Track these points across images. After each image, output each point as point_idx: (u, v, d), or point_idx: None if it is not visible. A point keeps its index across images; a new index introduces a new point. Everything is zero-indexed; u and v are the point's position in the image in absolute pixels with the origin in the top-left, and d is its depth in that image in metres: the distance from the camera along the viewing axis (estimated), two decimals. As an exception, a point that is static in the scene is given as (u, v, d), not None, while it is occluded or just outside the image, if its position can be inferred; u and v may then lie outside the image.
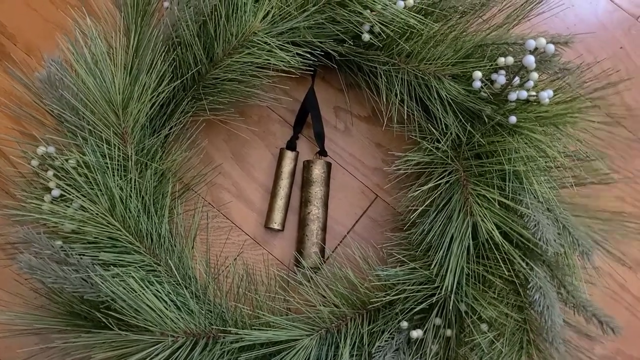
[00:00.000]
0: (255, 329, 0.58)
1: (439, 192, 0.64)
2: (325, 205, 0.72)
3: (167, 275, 0.60)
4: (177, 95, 0.66)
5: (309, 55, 0.65)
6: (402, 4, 0.62)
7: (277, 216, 0.72)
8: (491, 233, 0.58)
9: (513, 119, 0.59)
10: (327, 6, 0.63)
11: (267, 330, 0.58)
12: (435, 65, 0.63)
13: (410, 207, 0.67)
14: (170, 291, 0.58)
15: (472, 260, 0.60)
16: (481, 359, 0.58)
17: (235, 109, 0.70)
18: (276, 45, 0.62)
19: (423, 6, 0.64)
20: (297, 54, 0.64)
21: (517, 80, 0.58)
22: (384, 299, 0.60)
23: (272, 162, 0.75)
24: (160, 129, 0.65)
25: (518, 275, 0.59)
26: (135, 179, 0.60)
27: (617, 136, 0.75)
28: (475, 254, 0.60)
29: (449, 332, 0.60)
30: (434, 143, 0.65)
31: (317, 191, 0.71)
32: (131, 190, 0.60)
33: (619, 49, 0.79)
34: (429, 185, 0.64)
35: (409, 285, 0.60)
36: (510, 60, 0.59)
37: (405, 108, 0.67)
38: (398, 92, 0.66)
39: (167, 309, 0.56)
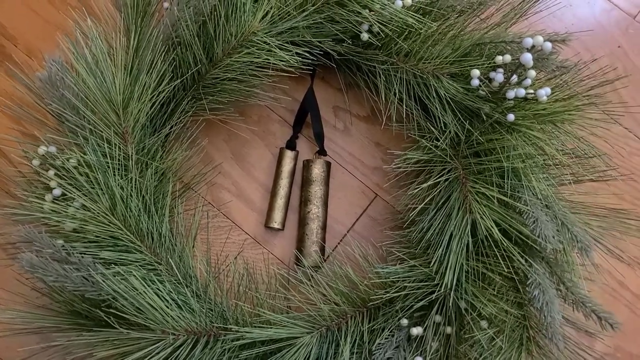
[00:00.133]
0: (255, 327, 0.58)
1: (438, 190, 0.64)
2: (325, 204, 0.72)
3: (168, 274, 0.60)
4: (177, 94, 0.66)
5: (308, 55, 0.65)
6: (400, 3, 0.63)
7: (277, 215, 0.72)
8: (490, 230, 0.58)
9: (511, 117, 0.59)
10: (325, 6, 0.63)
11: (268, 327, 0.58)
12: (433, 64, 0.64)
13: (409, 205, 0.67)
14: (171, 290, 0.58)
15: (471, 258, 0.61)
16: (481, 356, 0.58)
17: (235, 108, 0.71)
18: (275, 45, 0.62)
19: (421, 5, 0.64)
20: (297, 53, 0.64)
21: (515, 78, 0.59)
22: (384, 296, 0.61)
23: (272, 161, 0.75)
24: (161, 129, 0.66)
25: (517, 272, 0.59)
26: (136, 178, 0.60)
27: (614, 134, 0.76)
28: (474, 251, 0.61)
29: (448, 329, 0.61)
30: (433, 141, 0.66)
31: (316, 190, 0.71)
32: (132, 190, 0.60)
33: (616, 47, 0.80)
34: (429, 183, 0.64)
35: (408, 283, 0.61)
36: (508, 58, 0.59)
37: (404, 107, 0.67)
38: (397, 91, 0.67)
39: (168, 308, 0.56)
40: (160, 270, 0.60)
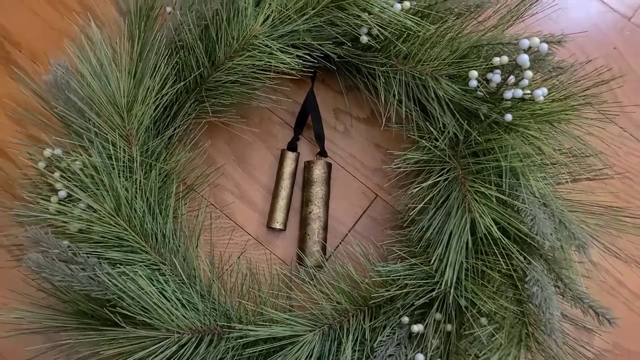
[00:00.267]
0: (259, 325, 0.59)
1: (437, 190, 0.65)
2: (326, 205, 0.73)
3: (172, 274, 0.61)
4: (180, 97, 0.68)
5: (308, 57, 0.66)
6: (399, 6, 0.64)
7: (279, 216, 0.73)
8: (489, 228, 0.59)
9: (509, 117, 0.60)
10: (325, 9, 0.64)
11: (271, 326, 0.59)
12: (432, 66, 0.65)
13: (409, 205, 0.68)
14: (176, 289, 0.59)
15: (471, 256, 0.62)
16: (481, 352, 0.59)
17: (237, 111, 0.72)
18: (277, 48, 0.63)
19: (419, 8, 0.65)
20: (297, 56, 0.65)
21: (512, 79, 0.60)
22: (385, 294, 0.61)
23: (273, 163, 0.76)
24: (164, 131, 0.67)
25: (516, 269, 0.60)
26: (140, 180, 0.61)
27: (610, 134, 0.77)
28: (474, 249, 0.62)
29: (449, 327, 0.62)
30: (432, 142, 0.67)
31: (317, 191, 0.72)
32: (136, 191, 0.61)
33: (612, 49, 0.81)
34: (428, 183, 0.65)
35: (409, 281, 0.62)
36: (505, 59, 0.60)
37: (404, 108, 0.69)
38: (396, 92, 0.68)
39: (173, 307, 0.57)
40: (165, 270, 0.61)
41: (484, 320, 0.59)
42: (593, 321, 0.59)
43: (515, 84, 0.60)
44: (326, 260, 0.72)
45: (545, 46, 0.55)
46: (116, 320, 0.56)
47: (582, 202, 0.63)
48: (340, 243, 0.75)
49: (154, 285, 0.57)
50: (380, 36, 0.65)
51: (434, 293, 0.61)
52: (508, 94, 0.60)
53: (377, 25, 0.64)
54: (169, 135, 0.67)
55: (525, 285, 0.58)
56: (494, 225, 0.59)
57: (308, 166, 0.73)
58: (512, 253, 0.59)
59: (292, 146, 0.75)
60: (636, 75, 0.80)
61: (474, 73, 0.61)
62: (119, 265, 0.58)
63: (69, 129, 0.63)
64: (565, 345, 0.61)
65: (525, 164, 0.61)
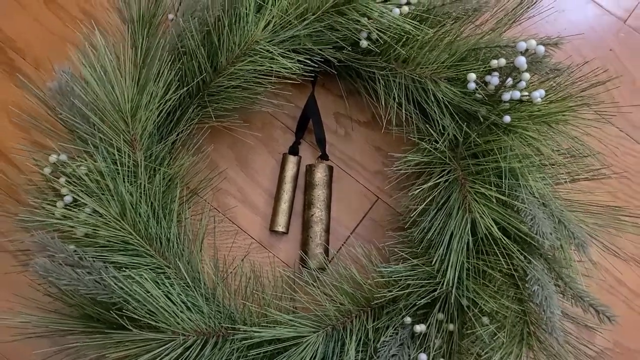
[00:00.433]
0: (263, 327, 0.60)
1: (438, 191, 0.66)
2: (328, 208, 0.74)
3: (177, 277, 0.62)
4: (183, 103, 0.68)
5: (309, 62, 0.67)
6: (397, 11, 0.65)
7: (282, 219, 0.74)
8: (490, 229, 0.60)
9: (507, 119, 0.61)
10: (325, 15, 0.65)
11: (275, 327, 0.60)
12: (431, 69, 0.66)
13: (410, 207, 0.69)
14: (181, 292, 0.60)
15: (472, 256, 0.62)
16: (483, 351, 0.59)
17: (239, 116, 0.73)
18: (278, 53, 0.64)
19: (418, 13, 0.66)
20: (298, 60, 0.66)
21: (510, 81, 0.61)
22: (388, 295, 0.62)
23: (275, 167, 0.77)
24: (168, 136, 0.68)
25: (517, 269, 0.61)
26: (144, 185, 0.62)
27: (608, 134, 0.78)
28: (474, 249, 0.62)
29: (451, 326, 0.62)
30: (432, 144, 0.67)
31: (319, 194, 0.73)
32: (140, 196, 0.62)
33: (608, 51, 0.82)
34: (429, 184, 0.66)
35: (411, 281, 0.62)
36: (502, 61, 0.61)
37: (404, 111, 0.69)
38: (396, 96, 0.69)
39: (178, 309, 0.57)
40: (170, 273, 0.62)
41: (485, 320, 0.60)
42: (593, 319, 0.60)
43: (513, 86, 0.61)
44: (329, 262, 0.72)
45: (542, 48, 0.56)
46: (122, 323, 0.56)
47: (581, 202, 0.64)
48: (342, 245, 0.75)
49: (159, 289, 0.58)
50: (380, 40, 0.66)
51: (436, 293, 0.62)
52: (506, 96, 0.61)
53: (377, 29, 0.65)
54: (173, 140, 0.68)
55: (526, 285, 0.59)
56: (494, 226, 0.60)
57: (310, 170, 0.74)
58: (513, 253, 0.60)
59: (294, 150, 0.76)
60: (632, 76, 0.81)
61: (472, 76, 0.62)
62: (124, 269, 0.58)
63: (74, 134, 0.63)
64: (567, 343, 0.61)
65: (524, 165, 0.62)
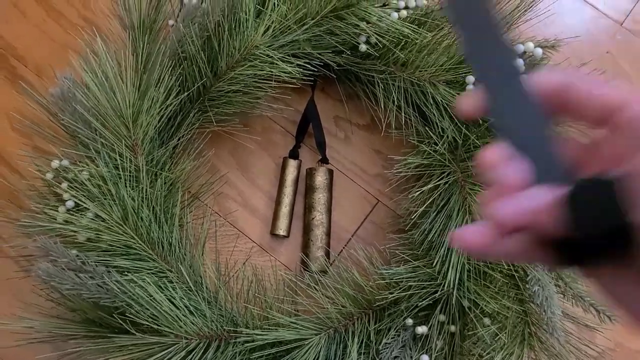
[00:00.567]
0: (265, 329, 0.60)
1: (438, 193, 0.66)
2: (329, 211, 0.74)
3: (179, 281, 0.62)
4: (184, 107, 0.69)
5: (309, 66, 0.68)
6: (396, 15, 0.65)
7: (283, 223, 0.74)
8: (490, 230, 0.60)
9: (506, 120, 0.62)
10: (324, 19, 0.66)
11: (277, 329, 0.60)
12: (430, 72, 0.66)
13: (410, 209, 0.69)
14: (183, 296, 0.60)
15: (472, 257, 0.63)
16: (485, 352, 0.60)
17: (240, 120, 0.73)
18: (278, 58, 0.65)
19: (416, 16, 0.67)
20: (298, 65, 0.67)
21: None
22: (389, 297, 0.62)
23: (275, 171, 0.78)
24: (169, 141, 0.68)
25: (517, 269, 0.61)
26: (146, 189, 0.63)
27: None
28: (475, 250, 0.63)
29: (453, 328, 0.62)
30: (431, 146, 0.68)
31: (320, 197, 0.73)
32: (142, 200, 0.62)
33: (605, 53, 0.83)
34: (429, 186, 0.66)
35: (412, 283, 0.63)
36: (501, 64, 0.62)
37: (403, 114, 0.70)
38: (395, 99, 0.69)
39: (181, 313, 0.58)
40: (172, 277, 0.62)
41: (487, 321, 0.60)
42: (594, 319, 0.60)
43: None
44: (330, 265, 0.73)
45: (539, 51, 0.57)
46: (125, 327, 0.57)
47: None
48: (343, 248, 0.76)
49: (161, 292, 0.58)
50: (379, 44, 0.66)
51: (437, 294, 0.62)
52: (505, 98, 0.61)
53: (376, 33, 0.65)
54: (174, 144, 0.69)
55: (527, 285, 0.59)
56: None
57: (310, 173, 0.74)
58: (513, 253, 0.60)
59: (294, 154, 0.77)
60: (630, 78, 0.82)
61: (471, 78, 0.63)
62: (126, 273, 0.59)
63: (76, 140, 0.64)
64: (568, 344, 0.62)
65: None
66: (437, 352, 0.62)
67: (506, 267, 0.60)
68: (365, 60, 0.70)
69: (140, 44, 0.65)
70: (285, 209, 0.74)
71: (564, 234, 0.24)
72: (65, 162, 0.63)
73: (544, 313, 0.57)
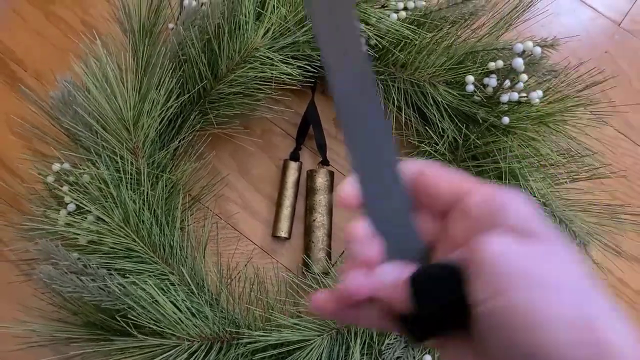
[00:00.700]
0: (268, 331, 0.60)
1: (439, 193, 0.66)
2: (330, 213, 0.74)
3: (181, 283, 0.62)
4: (184, 110, 0.69)
5: (309, 68, 0.68)
6: (395, 16, 0.66)
7: (284, 225, 0.74)
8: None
9: (506, 120, 0.62)
10: (324, 21, 0.66)
11: (280, 330, 0.60)
12: (429, 73, 0.67)
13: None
14: (185, 298, 0.60)
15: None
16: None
17: (240, 122, 0.73)
18: (278, 60, 0.65)
19: (415, 17, 0.67)
20: (298, 66, 0.67)
21: (507, 82, 0.62)
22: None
23: (276, 173, 0.78)
24: (169, 143, 0.68)
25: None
26: (147, 192, 0.63)
27: (606, 135, 0.78)
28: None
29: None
30: (432, 146, 0.68)
31: (321, 199, 0.73)
32: (143, 203, 0.62)
33: (603, 53, 0.83)
34: (429, 186, 0.66)
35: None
36: (500, 63, 0.62)
37: (403, 115, 0.70)
38: (395, 100, 0.69)
39: (183, 315, 0.58)
40: (173, 279, 0.62)
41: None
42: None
43: (511, 87, 0.61)
44: (332, 266, 0.73)
45: (538, 49, 0.57)
46: (127, 329, 0.56)
47: (581, 201, 0.65)
48: (345, 249, 0.75)
49: (163, 295, 0.58)
50: (378, 45, 0.67)
51: (439, 294, 0.62)
52: (504, 98, 0.61)
53: (375, 35, 0.65)
54: (175, 147, 0.69)
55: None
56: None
57: (311, 175, 0.74)
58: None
59: (295, 156, 0.77)
60: (628, 77, 0.82)
61: (470, 78, 0.63)
62: (128, 276, 0.59)
63: (77, 143, 0.64)
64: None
65: (524, 165, 0.62)
66: (439, 353, 0.61)
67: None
68: (365, 62, 0.70)
69: (141, 47, 0.65)
70: (286, 211, 0.74)
71: (409, 310, 0.26)
72: (66, 165, 0.63)
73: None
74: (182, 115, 0.69)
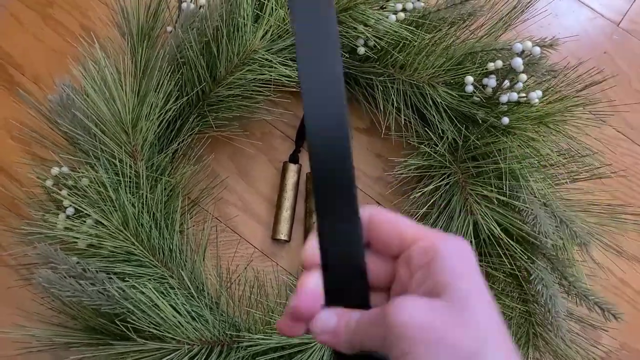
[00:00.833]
0: (268, 334, 0.60)
1: (439, 194, 0.66)
2: (330, 215, 0.74)
3: (181, 286, 0.62)
4: (183, 113, 0.69)
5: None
6: (394, 17, 0.66)
7: (284, 227, 0.74)
8: (492, 230, 0.60)
9: (506, 120, 0.62)
10: (323, 23, 0.66)
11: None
12: (428, 74, 0.66)
13: (412, 211, 0.69)
14: (185, 302, 0.60)
15: (475, 257, 0.62)
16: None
17: (239, 124, 0.73)
18: (276, 62, 0.65)
19: (414, 19, 0.67)
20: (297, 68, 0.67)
21: (507, 83, 0.61)
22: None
23: (275, 175, 0.77)
24: (168, 146, 0.68)
25: (520, 269, 0.61)
26: (146, 195, 0.62)
27: (606, 135, 0.78)
28: (478, 251, 0.63)
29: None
30: (432, 147, 0.68)
31: (321, 201, 0.73)
32: (142, 206, 0.62)
33: (602, 53, 0.83)
34: (429, 188, 0.66)
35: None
36: (499, 63, 0.62)
37: (402, 116, 0.70)
38: (394, 101, 0.69)
39: (183, 319, 0.57)
40: (173, 283, 0.62)
41: (491, 321, 0.60)
42: (599, 318, 0.60)
43: (511, 88, 0.61)
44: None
45: (538, 49, 0.57)
46: (127, 333, 0.56)
47: (581, 202, 0.65)
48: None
49: (163, 298, 0.58)
50: (377, 47, 0.67)
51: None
52: (504, 98, 0.61)
53: (374, 36, 0.65)
54: (174, 150, 0.68)
55: (530, 285, 0.59)
56: (497, 227, 0.60)
57: (310, 177, 0.74)
58: (516, 253, 0.60)
59: (294, 158, 0.77)
60: (628, 77, 0.82)
61: (469, 78, 0.63)
62: (127, 279, 0.58)
63: (75, 147, 0.64)
64: (573, 344, 0.61)
65: (524, 166, 0.62)
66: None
67: (509, 267, 0.60)
68: (364, 63, 0.70)
69: (139, 50, 0.65)
70: (286, 214, 0.74)
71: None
72: (65, 169, 0.62)
73: (548, 312, 0.57)
74: (181, 118, 0.69)
